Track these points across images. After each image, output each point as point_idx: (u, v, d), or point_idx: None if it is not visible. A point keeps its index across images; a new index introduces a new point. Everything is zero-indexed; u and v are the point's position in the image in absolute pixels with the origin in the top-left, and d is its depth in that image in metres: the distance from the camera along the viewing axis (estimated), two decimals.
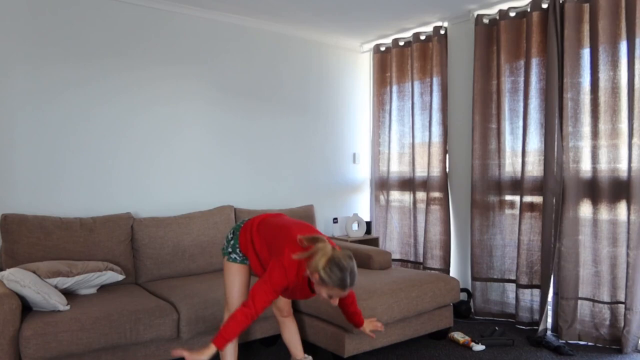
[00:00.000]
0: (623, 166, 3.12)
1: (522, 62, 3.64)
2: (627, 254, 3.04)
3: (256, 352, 3.11)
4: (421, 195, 4.35)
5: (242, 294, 2.35)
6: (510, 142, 3.71)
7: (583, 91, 3.28)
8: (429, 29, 4.29)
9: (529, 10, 3.51)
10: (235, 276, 2.34)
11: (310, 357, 2.60)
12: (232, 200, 3.99)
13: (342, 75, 4.76)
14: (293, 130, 4.41)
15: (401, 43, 4.50)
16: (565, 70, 3.29)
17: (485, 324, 3.68)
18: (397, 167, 4.61)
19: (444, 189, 4.15)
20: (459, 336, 3.26)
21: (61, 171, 3.27)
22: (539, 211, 3.53)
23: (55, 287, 2.62)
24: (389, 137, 4.63)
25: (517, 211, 3.68)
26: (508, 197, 3.74)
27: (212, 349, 1.96)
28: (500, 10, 3.69)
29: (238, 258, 2.33)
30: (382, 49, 4.69)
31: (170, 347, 2.69)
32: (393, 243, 4.62)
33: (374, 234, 4.75)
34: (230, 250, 2.35)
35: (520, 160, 3.64)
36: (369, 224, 4.75)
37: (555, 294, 3.38)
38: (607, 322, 3.18)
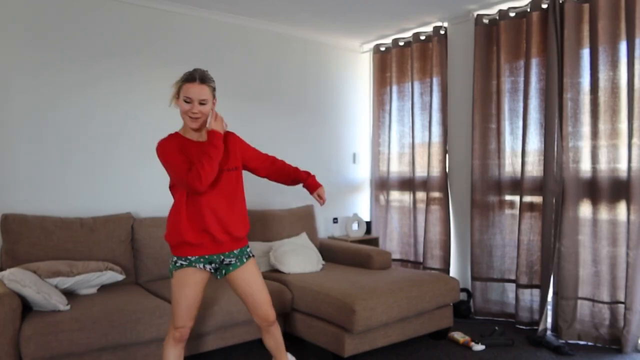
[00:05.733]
0: (623, 166, 3.13)
1: (522, 62, 3.64)
2: (627, 254, 3.04)
3: (256, 352, 3.12)
4: (421, 195, 4.35)
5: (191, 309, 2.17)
6: (510, 142, 3.72)
7: (583, 91, 3.28)
8: (429, 29, 4.29)
9: (528, 10, 3.51)
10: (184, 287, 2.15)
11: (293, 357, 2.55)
12: None
13: (342, 75, 4.77)
14: (293, 130, 4.41)
15: (401, 43, 4.50)
16: (565, 71, 3.29)
17: (485, 323, 3.68)
18: (397, 167, 4.61)
19: (444, 189, 4.15)
20: (458, 336, 3.27)
21: (61, 171, 3.27)
22: (538, 211, 3.53)
23: (56, 287, 2.63)
24: (389, 137, 4.63)
25: (516, 211, 3.68)
26: (508, 197, 3.75)
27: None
28: (500, 11, 3.69)
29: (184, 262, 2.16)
30: (382, 49, 4.69)
31: None
32: (393, 243, 4.62)
33: (374, 234, 4.75)
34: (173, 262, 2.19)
35: (520, 160, 3.65)
36: (369, 224, 4.76)
37: (555, 293, 3.38)
38: (607, 322, 3.18)
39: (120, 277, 2.92)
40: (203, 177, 2.04)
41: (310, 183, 2.42)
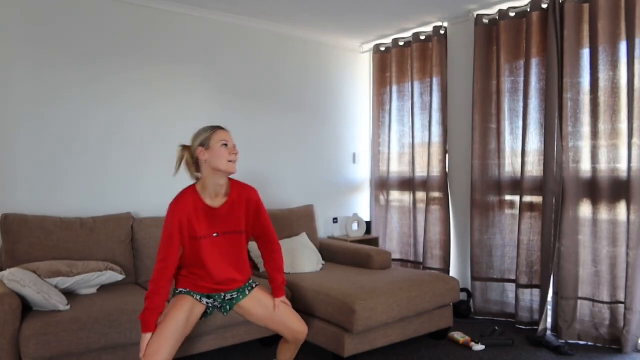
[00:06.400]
0: (623, 166, 3.12)
1: (522, 62, 3.64)
2: (627, 254, 3.04)
3: (256, 352, 3.12)
4: (421, 195, 4.35)
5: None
6: (510, 142, 3.72)
7: (583, 91, 3.28)
8: (429, 29, 4.29)
9: (528, 10, 3.51)
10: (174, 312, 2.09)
11: None
12: None
13: (342, 75, 4.77)
14: (293, 130, 4.41)
15: (401, 43, 4.50)
16: (565, 71, 3.29)
17: (485, 324, 3.68)
18: (397, 167, 4.61)
19: (444, 189, 4.15)
20: (458, 336, 3.26)
21: (61, 171, 3.27)
22: (538, 211, 3.53)
23: (56, 287, 2.63)
24: (389, 137, 4.63)
25: (516, 211, 3.68)
26: (508, 197, 3.75)
27: (146, 336, 2.00)
28: (500, 10, 3.69)
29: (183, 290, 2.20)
30: (382, 49, 4.69)
31: None
32: (393, 243, 4.62)
33: (374, 234, 4.75)
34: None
35: (520, 160, 3.65)
36: (369, 224, 4.76)
37: (555, 293, 3.38)
38: (607, 322, 3.18)
39: (120, 277, 2.92)
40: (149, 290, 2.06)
41: (276, 286, 2.34)
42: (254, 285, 2.32)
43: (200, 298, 2.20)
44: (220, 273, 2.17)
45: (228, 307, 2.27)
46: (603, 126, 3.19)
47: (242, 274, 2.26)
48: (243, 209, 2.22)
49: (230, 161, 2.09)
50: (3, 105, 3.08)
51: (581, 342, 3.26)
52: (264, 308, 2.27)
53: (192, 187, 2.16)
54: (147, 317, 2.02)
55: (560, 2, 3.33)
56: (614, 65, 3.13)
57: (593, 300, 3.24)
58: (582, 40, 3.28)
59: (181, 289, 2.21)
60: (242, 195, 2.22)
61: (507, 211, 3.75)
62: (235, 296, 2.26)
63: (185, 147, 2.20)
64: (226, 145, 2.10)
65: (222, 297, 2.25)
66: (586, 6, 3.24)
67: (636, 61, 3.01)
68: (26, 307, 2.48)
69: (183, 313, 2.10)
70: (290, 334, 2.28)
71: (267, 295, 2.32)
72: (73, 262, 2.81)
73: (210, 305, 2.24)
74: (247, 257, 2.30)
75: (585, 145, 3.28)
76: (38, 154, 3.19)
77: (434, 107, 4.20)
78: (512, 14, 3.65)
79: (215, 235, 2.15)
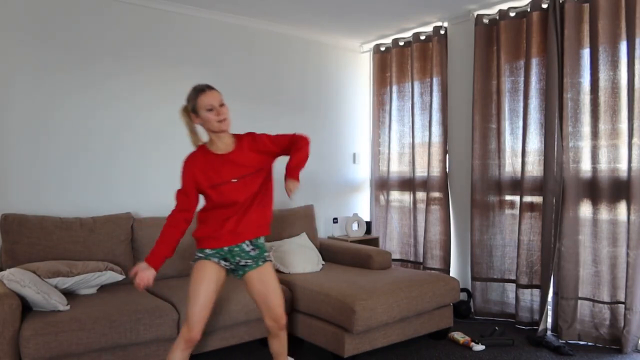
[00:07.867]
0: (623, 166, 3.12)
1: (522, 62, 3.64)
2: (627, 254, 3.04)
3: (256, 352, 3.12)
4: (421, 195, 4.35)
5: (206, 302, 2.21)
6: (510, 142, 3.71)
7: (583, 91, 3.28)
8: (429, 29, 4.29)
9: (529, 10, 3.51)
10: (200, 273, 2.23)
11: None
12: None
13: (342, 75, 4.76)
14: (293, 130, 4.39)
15: (401, 43, 4.50)
16: (565, 70, 3.29)
17: (485, 324, 3.68)
18: (397, 167, 4.61)
19: (444, 189, 4.15)
20: (459, 336, 3.26)
21: (61, 171, 3.27)
22: (538, 211, 3.53)
23: (55, 287, 2.63)
24: (389, 137, 4.63)
25: (517, 211, 3.68)
26: (508, 197, 3.74)
27: (149, 268, 2.15)
28: (500, 10, 3.69)
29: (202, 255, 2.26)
30: (382, 49, 4.69)
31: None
32: (393, 243, 4.62)
33: (374, 234, 4.75)
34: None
35: (520, 160, 3.64)
36: (369, 224, 4.76)
37: (555, 294, 3.38)
38: (607, 322, 3.18)
39: (120, 277, 2.92)
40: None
41: (289, 167, 2.26)
42: (267, 259, 2.38)
43: (219, 261, 2.26)
44: (245, 203, 2.24)
45: (241, 272, 2.33)
46: (603, 126, 3.18)
47: (263, 217, 2.31)
48: (252, 150, 2.27)
49: (219, 121, 2.18)
50: (4, 106, 3.08)
51: (581, 342, 3.26)
52: (262, 284, 2.33)
53: (202, 145, 2.31)
54: (154, 250, 2.17)
55: (561, 2, 3.33)
56: (614, 65, 3.13)
57: (593, 301, 3.24)
58: (582, 40, 3.28)
59: (200, 254, 2.26)
60: (246, 140, 2.29)
61: (507, 211, 3.75)
62: (249, 264, 2.31)
63: (184, 111, 2.31)
64: (211, 110, 2.18)
65: (237, 262, 2.29)
66: (586, 6, 3.24)
67: (636, 61, 3.01)
68: (26, 307, 2.48)
69: (212, 283, 2.22)
70: (271, 318, 2.34)
71: (270, 273, 2.36)
72: (73, 262, 2.81)
73: (227, 267, 2.31)
74: (270, 203, 2.36)
75: (585, 145, 3.28)
76: (39, 154, 3.19)
77: (434, 107, 4.20)
78: (512, 14, 3.65)
79: (234, 180, 2.23)
